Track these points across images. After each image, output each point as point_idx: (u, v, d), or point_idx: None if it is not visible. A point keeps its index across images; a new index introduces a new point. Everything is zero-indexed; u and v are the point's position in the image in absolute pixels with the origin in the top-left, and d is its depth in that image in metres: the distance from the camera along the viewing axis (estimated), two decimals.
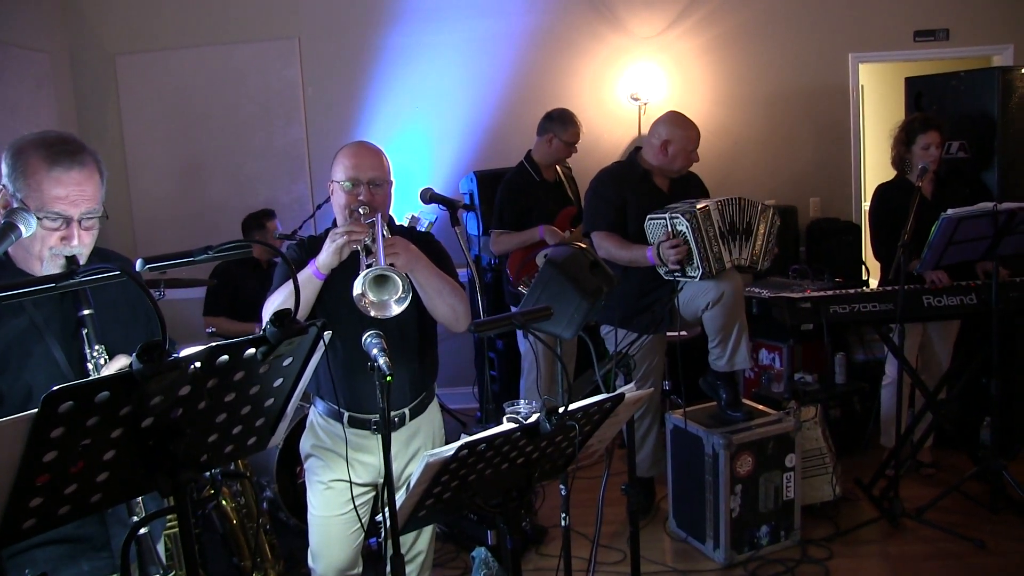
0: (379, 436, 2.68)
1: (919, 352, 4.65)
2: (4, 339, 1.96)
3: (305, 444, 2.83)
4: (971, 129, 4.94)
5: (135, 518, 1.96)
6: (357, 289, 2.30)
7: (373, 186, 2.69)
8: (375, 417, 2.70)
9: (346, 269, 2.53)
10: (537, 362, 4.71)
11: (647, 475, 4.35)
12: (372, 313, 2.33)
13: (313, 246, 2.68)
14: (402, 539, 2.63)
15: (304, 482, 2.89)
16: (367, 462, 2.77)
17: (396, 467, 2.77)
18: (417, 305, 2.67)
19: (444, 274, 2.69)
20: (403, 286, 2.33)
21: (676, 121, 4.09)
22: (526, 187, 4.84)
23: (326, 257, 2.50)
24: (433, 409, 2.92)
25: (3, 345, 1.96)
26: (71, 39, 6.24)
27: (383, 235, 2.50)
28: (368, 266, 2.35)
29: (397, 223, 2.97)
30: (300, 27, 6.24)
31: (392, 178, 2.78)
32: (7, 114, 5.36)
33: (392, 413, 2.69)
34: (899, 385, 4.29)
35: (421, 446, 2.83)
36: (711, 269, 3.71)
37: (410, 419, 2.79)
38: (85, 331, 1.95)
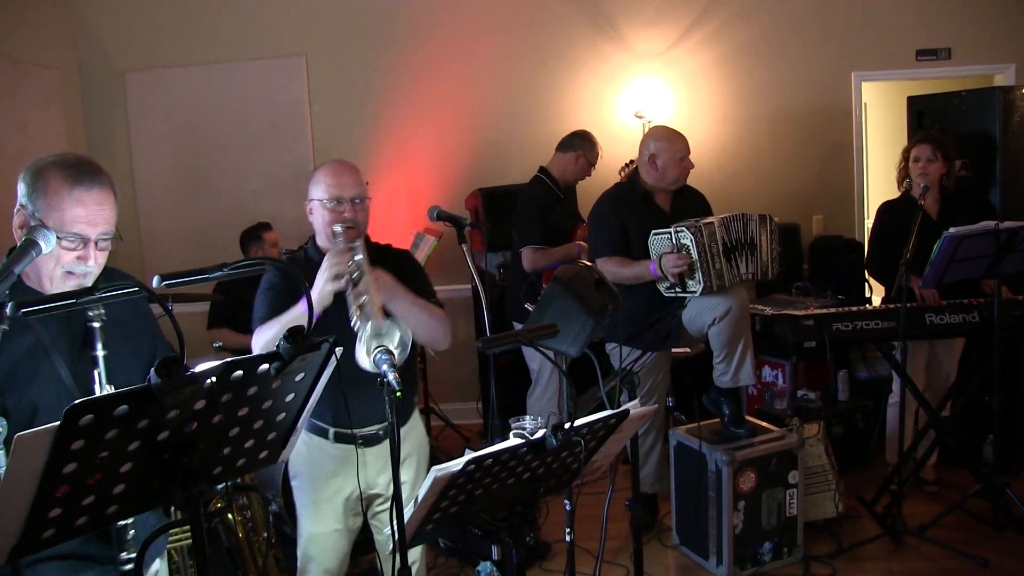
0: (364, 451, 2.75)
1: (925, 369, 4.67)
2: (12, 357, 1.98)
3: (293, 461, 2.86)
4: (973, 148, 4.97)
5: (124, 554, 1.97)
6: (366, 364, 2.29)
7: (356, 202, 2.75)
8: (362, 431, 2.75)
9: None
10: (560, 380, 4.71)
11: (651, 491, 4.36)
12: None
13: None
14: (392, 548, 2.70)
15: None
16: (352, 477, 2.79)
17: (383, 479, 2.84)
18: None
19: (422, 301, 2.74)
20: (399, 338, 2.33)
21: (659, 134, 4.12)
22: (552, 203, 4.86)
23: (316, 299, 2.50)
24: (415, 419, 2.98)
25: (11, 362, 1.98)
26: (81, 56, 6.31)
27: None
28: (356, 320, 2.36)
29: (372, 241, 2.99)
30: (306, 45, 6.30)
31: (369, 195, 2.85)
32: (17, 130, 5.41)
33: (376, 427, 2.78)
34: (901, 402, 4.32)
35: (406, 456, 2.88)
36: (712, 284, 3.73)
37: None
38: (96, 371, 1.96)
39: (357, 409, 2.46)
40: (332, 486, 2.80)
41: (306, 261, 2.81)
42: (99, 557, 2.01)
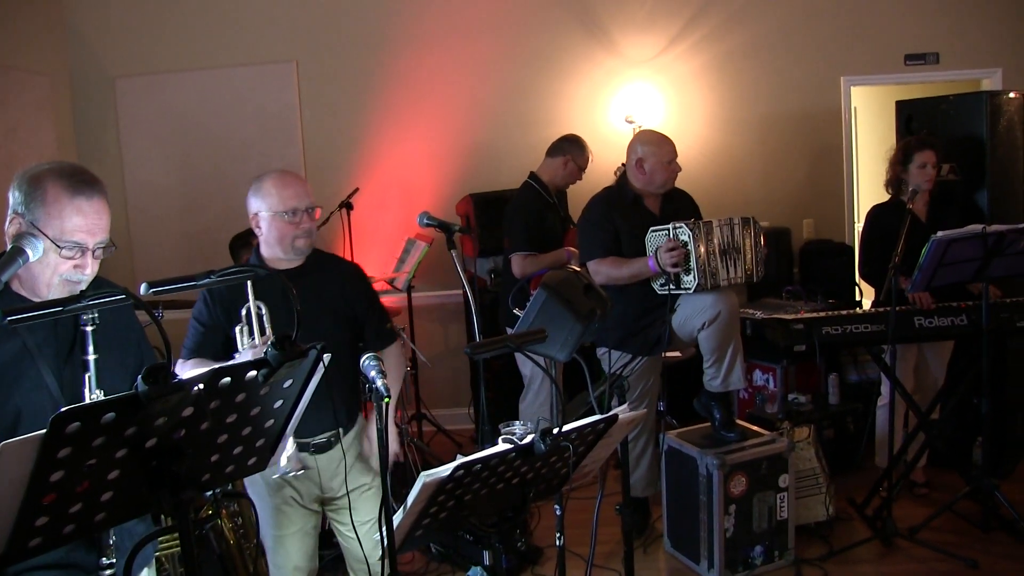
0: (316, 457, 2.88)
1: (914, 372, 4.69)
2: None
3: None
4: (961, 152, 5.00)
5: (104, 559, 1.97)
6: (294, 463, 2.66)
7: (310, 211, 2.82)
8: (314, 440, 2.86)
9: (286, 300, 2.63)
10: (554, 386, 4.72)
11: (642, 495, 4.37)
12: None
13: (226, 296, 2.74)
14: (367, 546, 2.87)
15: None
16: (307, 482, 2.89)
17: (336, 483, 2.95)
18: (350, 331, 2.90)
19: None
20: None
21: (645, 138, 4.15)
22: (543, 208, 4.86)
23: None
24: (362, 423, 3.07)
25: None
26: (72, 62, 6.30)
27: None
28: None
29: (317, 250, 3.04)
30: (297, 51, 6.31)
31: None
32: (7, 137, 5.40)
33: (326, 434, 2.89)
34: (891, 405, 4.33)
35: (356, 458, 2.98)
36: (706, 282, 3.76)
37: (343, 435, 2.93)
38: (88, 375, 1.96)
39: (310, 418, 2.52)
40: (288, 492, 2.89)
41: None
42: (85, 565, 2.00)
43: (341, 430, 2.90)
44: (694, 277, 3.77)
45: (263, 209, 2.80)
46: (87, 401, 1.97)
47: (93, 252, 2.03)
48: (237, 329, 2.62)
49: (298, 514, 2.92)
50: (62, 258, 1.99)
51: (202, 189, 6.35)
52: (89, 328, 1.95)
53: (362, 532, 2.91)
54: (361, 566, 3.01)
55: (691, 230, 3.75)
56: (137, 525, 2.15)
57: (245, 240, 5.23)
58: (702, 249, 3.76)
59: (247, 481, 2.94)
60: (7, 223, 2.02)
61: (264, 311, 2.58)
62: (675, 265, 3.76)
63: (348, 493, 2.87)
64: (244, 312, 2.58)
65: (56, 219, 1.97)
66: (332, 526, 3.10)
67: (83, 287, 2.03)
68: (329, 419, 2.81)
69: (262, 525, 2.95)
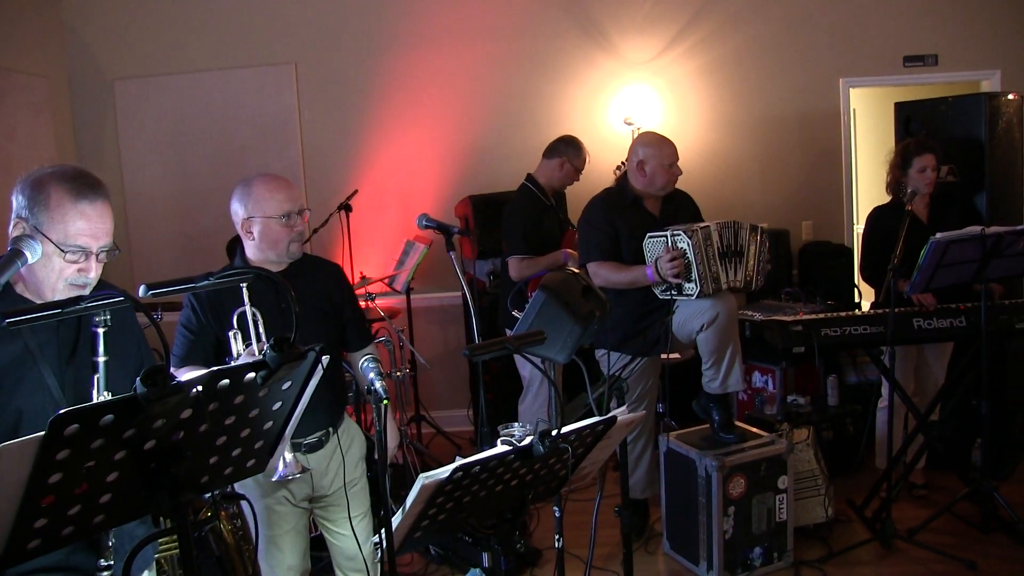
0: (308, 457, 2.89)
1: (915, 374, 4.69)
2: None
3: None
4: (960, 153, 5.00)
5: (102, 561, 1.97)
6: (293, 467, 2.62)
7: (301, 214, 2.85)
8: (305, 440, 2.87)
9: (277, 303, 2.68)
10: (552, 388, 4.71)
11: (641, 497, 4.37)
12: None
13: (215, 300, 2.75)
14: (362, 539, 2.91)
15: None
16: (300, 482, 2.90)
17: (327, 482, 2.97)
18: (334, 331, 2.93)
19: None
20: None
21: (647, 140, 4.14)
22: (541, 211, 4.85)
23: None
24: (347, 420, 3.10)
25: None
26: (70, 64, 6.30)
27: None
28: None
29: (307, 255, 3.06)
30: (296, 53, 6.31)
31: None
32: (5, 139, 5.40)
33: (317, 434, 2.91)
34: (890, 407, 4.32)
35: (349, 446, 3.02)
36: (708, 288, 3.75)
37: (332, 433, 2.96)
38: (96, 376, 1.96)
39: (300, 420, 2.55)
40: (281, 492, 2.91)
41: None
42: (85, 568, 2.00)
43: (331, 428, 2.93)
44: (696, 284, 3.75)
45: (256, 214, 2.80)
46: (95, 402, 1.97)
47: (97, 256, 2.03)
48: (231, 334, 2.62)
49: (291, 513, 2.93)
50: (66, 262, 1.99)
51: (201, 191, 6.34)
52: (101, 330, 1.95)
53: (354, 524, 2.95)
54: (351, 563, 3.03)
55: (689, 237, 3.72)
56: (137, 527, 2.14)
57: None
58: (702, 255, 3.74)
59: (239, 483, 2.95)
60: (11, 227, 2.01)
61: (258, 315, 2.58)
62: (676, 276, 3.74)
63: (345, 485, 2.90)
64: (236, 316, 2.58)
65: (60, 223, 1.97)
66: (320, 525, 3.11)
67: (88, 291, 2.03)
68: (319, 418, 2.84)
69: (258, 524, 2.95)
